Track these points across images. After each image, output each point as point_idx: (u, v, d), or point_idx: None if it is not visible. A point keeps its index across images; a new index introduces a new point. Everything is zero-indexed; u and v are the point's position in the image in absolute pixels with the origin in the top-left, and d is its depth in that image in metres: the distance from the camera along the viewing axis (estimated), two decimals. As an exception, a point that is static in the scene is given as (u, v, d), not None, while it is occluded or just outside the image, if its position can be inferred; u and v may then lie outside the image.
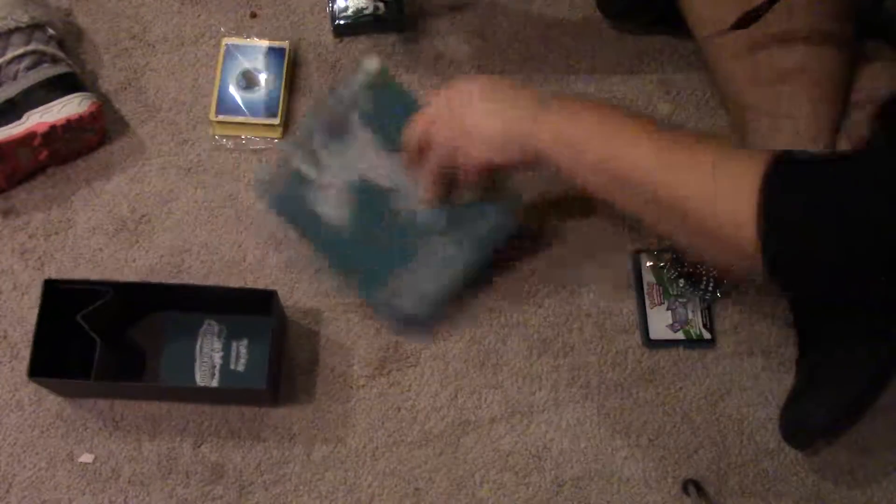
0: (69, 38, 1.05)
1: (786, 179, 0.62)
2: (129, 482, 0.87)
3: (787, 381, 0.93)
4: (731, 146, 0.85)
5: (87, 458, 0.88)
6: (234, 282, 0.95)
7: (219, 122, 1.01)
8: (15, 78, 0.93)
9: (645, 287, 0.96)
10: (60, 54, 0.97)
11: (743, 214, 0.62)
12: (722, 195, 0.65)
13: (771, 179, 0.62)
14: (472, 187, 0.87)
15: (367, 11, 1.06)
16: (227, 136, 1.01)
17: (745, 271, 0.66)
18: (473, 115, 0.79)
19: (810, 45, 0.85)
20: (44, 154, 0.94)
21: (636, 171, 0.70)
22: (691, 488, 0.89)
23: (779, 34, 0.85)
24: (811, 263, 0.62)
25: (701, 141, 0.72)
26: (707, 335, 0.95)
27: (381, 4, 1.06)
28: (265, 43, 1.04)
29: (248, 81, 1.02)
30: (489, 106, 0.79)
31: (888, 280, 0.61)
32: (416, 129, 0.83)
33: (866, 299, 0.72)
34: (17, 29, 0.93)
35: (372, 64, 0.89)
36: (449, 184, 0.87)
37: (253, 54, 1.03)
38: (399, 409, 0.92)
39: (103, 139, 1.00)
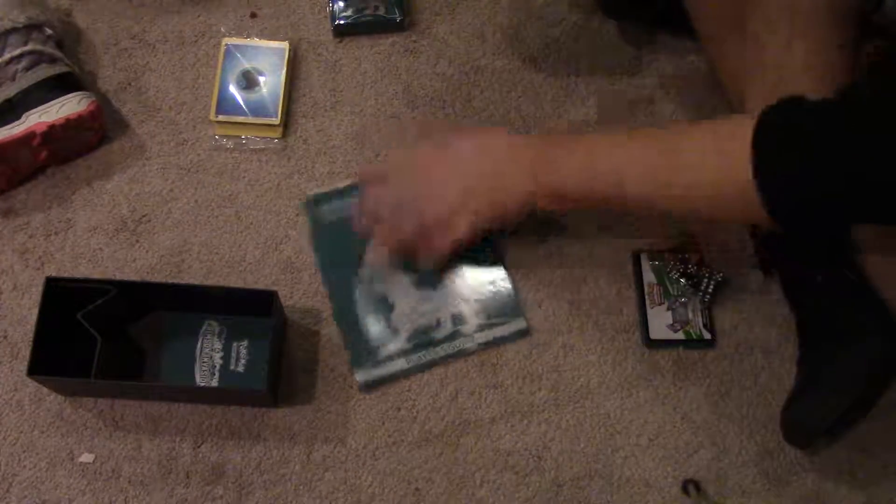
0: (69, 38, 1.05)
1: (775, 129, 0.68)
2: (129, 482, 0.87)
3: (787, 381, 0.93)
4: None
5: (87, 457, 0.88)
6: (234, 282, 0.95)
7: (219, 122, 1.01)
8: (13, 79, 0.93)
9: (645, 287, 0.96)
10: (59, 54, 0.97)
11: (739, 166, 0.67)
12: (719, 156, 0.71)
13: (761, 130, 0.67)
14: (441, 260, 0.91)
15: (367, 11, 1.06)
16: (227, 136, 1.01)
17: (755, 222, 0.72)
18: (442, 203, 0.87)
19: (813, 45, 0.85)
20: (43, 154, 0.94)
21: (641, 184, 0.76)
22: (691, 488, 0.89)
23: (783, 34, 0.85)
24: (805, 199, 0.67)
25: (690, 123, 0.79)
26: (707, 335, 0.95)
27: (381, 4, 1.06)
28: (265, 43, 1.04)
29: (248, 81, 1.02)
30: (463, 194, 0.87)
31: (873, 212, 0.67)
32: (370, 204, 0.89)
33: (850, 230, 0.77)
34: (14, 29, 0.93)
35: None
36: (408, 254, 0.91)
37: (253, 54, 1.03)
38: (399, 409, 0.91)
39: (103, 138, 1.00)
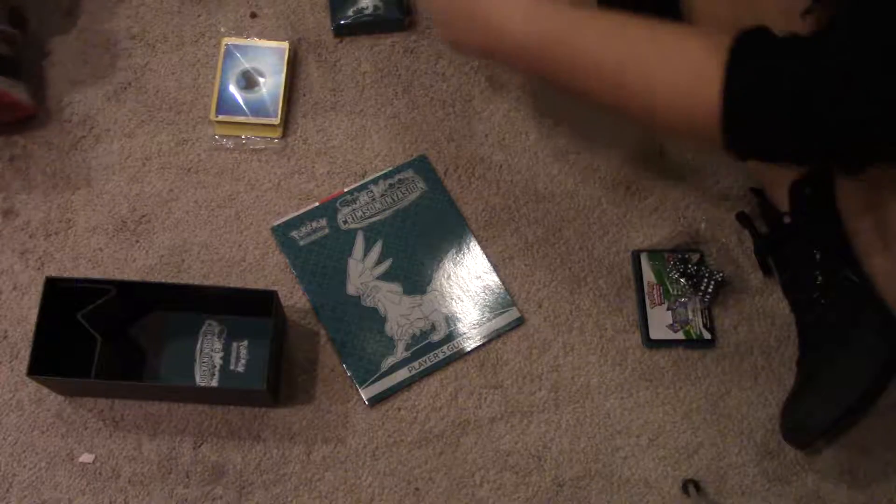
0: (68, 38, 1.05)
1: (753, 46, 0.66)
2: (129, 482, 0.87)
3: (787, 381, 0.93)
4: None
5: (87, 457, 0.88)
6: (234, 282, 0.95)
7: (219, 122, 1.01)
8: None
9: (645, 287, 0.96)
10: None
11: (709, 72, 0.65)
12: (690, 57, 0.68)
13: (740, 44, 0.66)
14: None
15: (367, 11, 1.06)
16: (227, 136, 1.01)
17: (699, 137, 0.70)
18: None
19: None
20: None
21: (595, 54, 0.73)
22: (691, 488, 0.89)
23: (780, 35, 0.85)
24: (766, 123, 0.65)
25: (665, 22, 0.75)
26: (707, 335, 0.95)
27: (381, 4, 1.06)
28: (265, 43, 1.04)
29: (248, 81, 1.02)
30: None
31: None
32: None
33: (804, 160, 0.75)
34: None
35: None
36: None
37: (253, 54, 1.03)
38: (399, 409, 0.92)
39: (25, 115, 1.00)
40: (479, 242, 0.98)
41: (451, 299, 0.95)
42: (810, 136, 0.64)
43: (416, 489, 0.89)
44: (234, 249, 0.97)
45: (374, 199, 0.99)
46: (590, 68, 0.75)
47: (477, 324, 0.94)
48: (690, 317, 0.95)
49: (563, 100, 1.06)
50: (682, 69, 0.68)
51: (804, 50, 0.64)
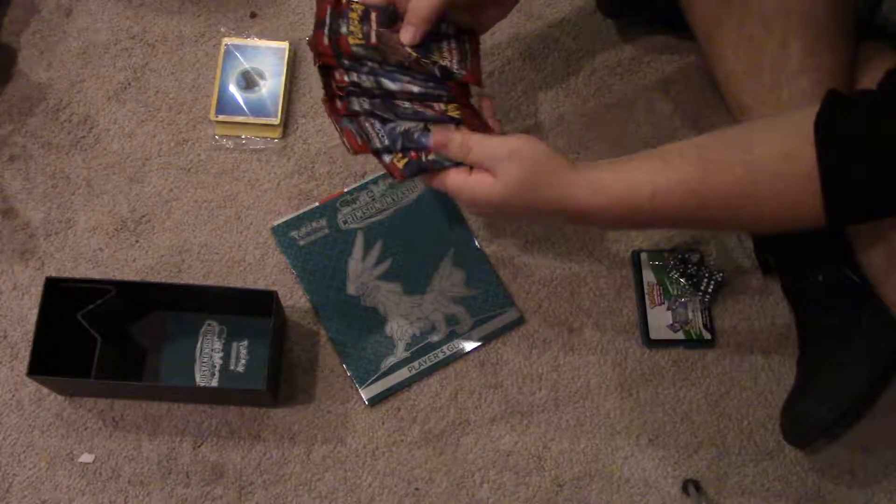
0: (68, 38, 1.05)
1: (837, 112, 0.67)
2: (129, 482, 0.87)
3: (787, 381, 0.93)
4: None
5: (87, 458, 0.88)
6: (234, 282, 0.95)
7: (219, 122, 1.01)
8: None
9: (645, 287, 0.96)
10: None
11: (805, 171, 0.66)
12: (784, 179, 0.68)
13: (824, 114, 0.66)
14: None
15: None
16: (227, 136, 1.01)
17: (807, 226, 0.71)
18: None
19: (810, 46, 0.85)
20: None
21: (695, 199, 0.72)
22: (691, 488, 0.89)
23: (778, 35, 0.85)
24: (869, 184, 0.66)
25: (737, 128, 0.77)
26: (707, 335, 0.95)
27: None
28: (265, 43, 1.04)
29: (247, 81, 1.02)
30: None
31: None
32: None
33: None
34: None
35: None
36: None
37: (253, 54, 1.03)
38: (399, 409, 0.91)
39: None
40: (479, 242, 0.98)
41: (451, 299, 0.95)
42: None
43: (416, 489, 0.89)
44: (234, 249, 0.97)
45: (374, 199, 0.99)
46: (695, 221, 0.78)
47: (477, 324, 0.94)
48: (690, 317, 0.95)
49: (563, 100, 1.06)
50: (778, 187, 0.69)
51: (884, 103, 0.66)
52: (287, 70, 1.03)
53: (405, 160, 0.76)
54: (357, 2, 0.83)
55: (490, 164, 0.72)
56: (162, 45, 1.06)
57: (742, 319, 0.96)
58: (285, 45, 1.04)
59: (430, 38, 0.81)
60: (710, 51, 0.94)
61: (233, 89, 1.02)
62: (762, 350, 0.95)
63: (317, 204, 0.98)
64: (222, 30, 1.06)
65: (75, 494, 0.87)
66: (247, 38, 1.05)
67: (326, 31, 0.80)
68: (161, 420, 0.90)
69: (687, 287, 0.96)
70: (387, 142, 0.77)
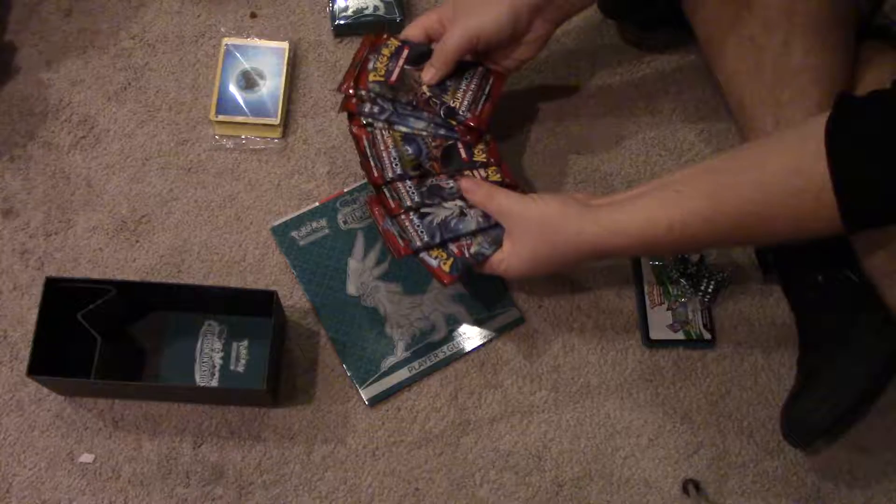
0: (68, 38, 1.05)
1: (849, 114, 0.67)
2: (129, 482, 0.87)
3: (787, 381, 0.93)
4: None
5: (87, 458, 0.88)
6: (234, 282, 0.95)
7: (219, 122, 1.01)
8: None
9: (645, 287, 0.96)
10: None
11: (817, 179, 0.65)
12: (790, 153, 0.69)
13: (836, 117, 0.66)
14: None
15: (367, 11, 1.06)
16: (227, 136, 1.01)
17: (823, 231, 0.71)
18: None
19: (811, 46, 0.85)
20: None
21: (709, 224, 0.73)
22: (691, 488, 0.89)
23: (780, 35, 0.85)
24: (885, 185, 0.65)
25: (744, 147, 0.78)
26: (707, 335, 0.95)
27: (381, 4, 1.06)
28: (265, 43, 1.04)
29: (247, 81, 1.02)
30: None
31: None
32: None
33: None
34: None
35: None
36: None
37: (253, 54, 1.03)
38: (399, 409, 0.92)
39: None
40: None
41: (451, 299, 0.95)
42: None
43: (416, 489, 0.89)
44: (234, 249, 0.97)
45: (374, 199, 0.99)
46: (711, 244, 0.86)
47: (477, 323, 0.94)
48: (690, 317, 0.95)
49: (563, 100, 1.06)
50: (791, 203, 0.69)
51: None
52: (287, 70, 1.03)
53: (450, 261, 0.83)
54: (395, 37, 0.86)
55: (506, 222, 0.82)
56: (162, 45, 1.06)
57: (742, 319, 0.96)
58: (285, 45, 1.04)
59: (453, 76, 0.85)
60: (711, 51, 0.94)
61: (233, 89, 1.02)
62: (762, 350, 0.95)
63: (317, 204, 0.98)
64: (222, 30, 1.06)
65: (75, 494, 0.87)
66: (247, 38, 1.05)
67: (357, 69, 0.87)
68: (161, 420, 0.90)
69: (687, 287, 0.96)
70: (426, 238, 0.84)
